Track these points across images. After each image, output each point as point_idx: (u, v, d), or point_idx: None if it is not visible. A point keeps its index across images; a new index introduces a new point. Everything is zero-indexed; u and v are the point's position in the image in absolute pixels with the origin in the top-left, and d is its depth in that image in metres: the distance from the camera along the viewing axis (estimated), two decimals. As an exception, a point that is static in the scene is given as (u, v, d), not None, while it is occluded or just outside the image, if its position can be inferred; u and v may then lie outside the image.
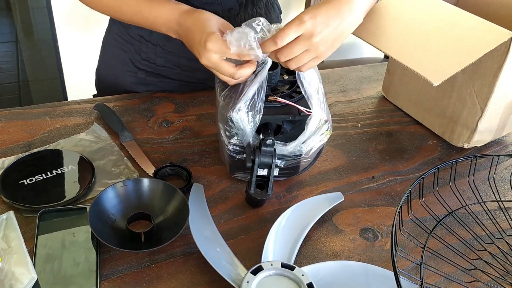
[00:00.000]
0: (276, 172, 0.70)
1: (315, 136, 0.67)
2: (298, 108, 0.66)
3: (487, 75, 0.75)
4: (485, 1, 0.88)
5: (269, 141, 0.64)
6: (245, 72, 0.64)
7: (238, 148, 0.67)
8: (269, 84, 0.68)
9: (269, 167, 0.65)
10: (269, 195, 0.66)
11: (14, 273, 0.53)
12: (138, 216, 0.64)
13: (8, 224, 0.59)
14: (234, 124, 0.64)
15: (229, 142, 0.67)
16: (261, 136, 0.65)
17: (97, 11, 0.77)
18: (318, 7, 0.62)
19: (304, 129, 0.66)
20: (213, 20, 0.66)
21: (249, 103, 0.64)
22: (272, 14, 0.92)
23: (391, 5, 0.80)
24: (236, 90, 0.66)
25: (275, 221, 0.65)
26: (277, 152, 0.66)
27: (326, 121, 0.67)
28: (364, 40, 0.76)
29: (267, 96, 0.66)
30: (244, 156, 0.66)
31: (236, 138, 0.66)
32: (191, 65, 0.86)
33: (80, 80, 1.92)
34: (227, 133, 0.66)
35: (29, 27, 2.68)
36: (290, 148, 0.67)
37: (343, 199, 0.71)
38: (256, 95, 0.64)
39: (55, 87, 2.12)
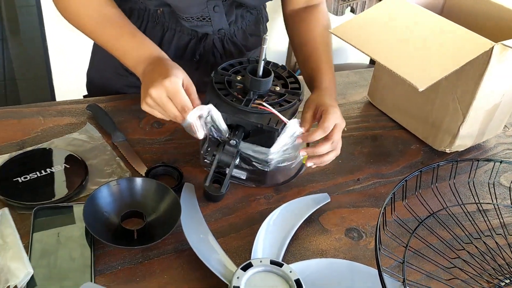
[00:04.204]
0: (243, 176, 0.72)
1: (285, 151, 0.69)
2: (271, 118, 0.67)
3: (469, 82, 0.78)
4: (468, 12, 0.92)
5: (232, 142, 0.67)
6: (194, 113, 0.64)
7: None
8: (259, 91, 0.70)
9: (228, 166, 0.68)
10: (223, 193, 0.68)
11: (10, 268, 0.54)
12: (131, 214, 0.65)
13: (3, 221, 0.60)
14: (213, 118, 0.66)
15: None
16: (228, 135, 0.67)
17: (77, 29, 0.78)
18: (336, 110, 0.70)
19: (272, 142, 0.68)
20: (180, 72, 0.67)
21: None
22: (261, 25, 0.94)
23: (379, 13, 0.83)
24: None
25: (264, 220, 0.67)
26: (244, 150, 0.68)
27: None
28: (353, 46, 0.79)
29: (252, 100, 0.69)
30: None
31: (212, 130, 0.68)
32: None
33: (69, 79, 1.92)
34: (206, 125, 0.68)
35: (15, 25, 2.66)
36: (255, 151, 0.69)
37: (329, 200, 0.74)
38: None
39: (43, 86, 2.11)
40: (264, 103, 0.68)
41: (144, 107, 0.66)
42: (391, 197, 0.66)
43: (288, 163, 0.72)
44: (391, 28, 0.79)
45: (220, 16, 0.83)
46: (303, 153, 0.69)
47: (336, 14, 1.77)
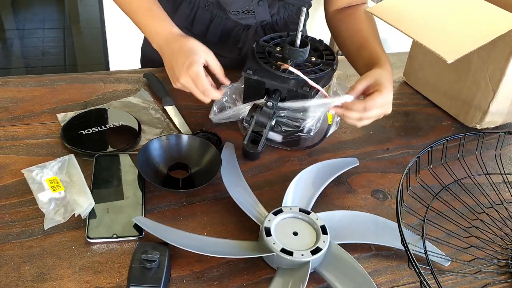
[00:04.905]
0: (278, 138, 0.78)
1: (315, 112, 0.75)
2: (305, 83, 0.72)
3: (499, 59, 0.81)
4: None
5: (269, 104, 0.73)
6: (216, 95, 0.75)
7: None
8: (296, 60, 0.76)
9: (265, 126, 0.74)
10: (259, 151, 0.75)
11: (76, 200, 0.64)
12: (178, 165, 0.73)
13: (70, 164, 0.70)
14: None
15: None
16: (265, 98, 0.74)
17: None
18: (390, 94, 0.72)
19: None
20: (201, 51, 0.75)
21: None
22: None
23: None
24: None
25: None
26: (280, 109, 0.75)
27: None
28: (387, 23, 0.83)
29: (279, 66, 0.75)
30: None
31: None
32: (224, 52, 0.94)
33: (124, 63, 2.05)
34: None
35: (76, 15, 2.85)
36: (288, 106, 0.74)
37: (358, 164, 0.79)
38: None
39: (100, 70, 2.26)
40: (290, 67, 0.73)
41: (177, 86, 0.76)
42: (416, 160, 0.71)
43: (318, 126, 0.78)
44: (424, 7, 0.83)
45: (263, 10, 0.89)
46: (332, 111, 0.73)
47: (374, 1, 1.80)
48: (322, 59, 0.79)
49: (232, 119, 0.81)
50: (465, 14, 0.80)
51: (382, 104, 0.71)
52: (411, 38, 0.79)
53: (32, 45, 2.65)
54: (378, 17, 0.84)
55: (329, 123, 0.79)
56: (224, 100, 0.82)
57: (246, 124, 0.79)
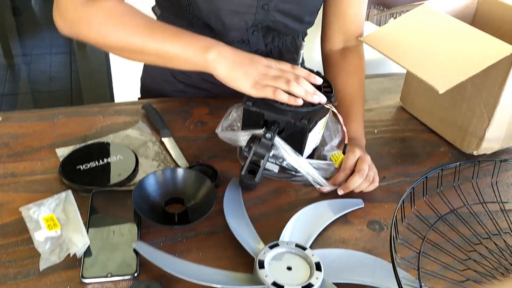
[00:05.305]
0: (276, 169, 0.79)
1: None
2: (303, 116, 0.74)
3: (493, 86, 0.81)
4: (499, 19, 0.94)
5: (268, 135, 0.74)
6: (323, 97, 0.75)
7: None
8: None
9: (262, 157, 0.75)
10: (256, 182, 0.75)
11: (71, 238, 0.65)
12: (173, 199, 0.74)
13: (67, 200, 0.71)
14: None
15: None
16: (263, 130, 0.74)
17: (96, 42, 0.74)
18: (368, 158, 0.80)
19: (303, 140, 0.75)
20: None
21: None
22: (297, 41, 1.00)
23: (407, 21, 0.88)
24: None
25: (293, 210, 0.74)
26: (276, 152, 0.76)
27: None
28: (380, 52, 0.84)
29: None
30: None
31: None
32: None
33: (127, 88, 2.08)
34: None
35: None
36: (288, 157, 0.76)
37: (363, 205, 0.78)
38: None
39: (104, 94, 2.30)
40: (332, 107, 0.76)
41: (260, 90, 0.72)
42: (411, 191, 0.71)
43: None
44: (417, 36, 0.84)
45: (257, 39, 0.91)
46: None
47: (379, 25, 1.81)
48: (320, 91, 0.80)
49: (232, 142, 0.82)
50: (457, 42, 0.81)
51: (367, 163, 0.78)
52: (404, 68, 0.79)
53: (40, 70, 2.70)
54: (371, 47, 0.86)
55: (336, 166, 0.79)
56: (232, 118, 0.83)
57: (245, 154, 0.80)
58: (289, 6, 0.87)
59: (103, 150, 0.83)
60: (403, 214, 0.70)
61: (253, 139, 0.76)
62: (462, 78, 0.73)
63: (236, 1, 0.83)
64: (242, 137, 0.78)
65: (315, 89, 0.75)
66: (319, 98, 0.74)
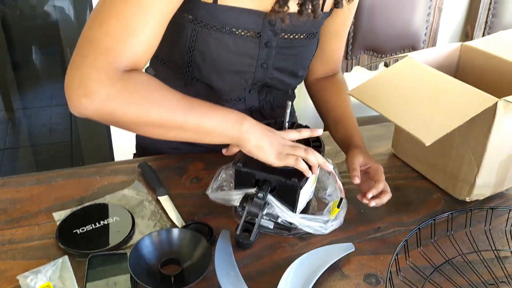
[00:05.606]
0: (270, 225, 0.80)
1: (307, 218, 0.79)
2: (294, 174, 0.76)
3: (479, 135, 0.83)
4: (481, 68, 0.98)
5: (260, 195, 0.76)
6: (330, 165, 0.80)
7: None
8: None
9: (256, 216, 0.76)
10: (251, 241, 0.77)
11: (68, 306, 0.65)
12: (170, 260, 0.75)
13: (63, 267, 0.72)
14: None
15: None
16: (255, 190, 0.77)
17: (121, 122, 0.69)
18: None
19: (294, 198, 0.77)
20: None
21: None
22: (287, 96, 1.04)
23: (392, 74, 0.91)
24: None
25: (288, 266, 0.74)
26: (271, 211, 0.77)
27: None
28: (367, 105, 0.87)
29: None
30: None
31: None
32: None
33: (125, 138, 2.11)
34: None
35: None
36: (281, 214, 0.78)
37: (353, 250, 0.79)
38: None
39: (103, 144, 2.32)
40: (333, 171, 0.82)
41: (283, 161, 0.76)
42: (404, 244, 0.72)
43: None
44: (402, 88, 0.87)
45: (253, 97, 0.94)
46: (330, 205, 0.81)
47: (370, 69, 1.86)
48: (309, 146, 0.82)
49: (224, 202, 0.83)
50: (441, 94, 0.83)
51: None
52: (391, 120, 0.82)
53: (40, 123, 2.74)
54: (359, 100, 0.88)
55: (331, 217, 0.81)
56: (221, 179, 0.85)
57: (240, 211, 0.81)
58: (285, 63, 0.91)
59: (99, 212, 0.84)
60: (398, 267, 0.71)
61: (246, 199, 0.77)
62: (447, 130, 0.75)
63: (237, 61, 0.86)
64: (235, 196, 0.80)
65: (324, 160, 0.79)
66: (330, 167, 0.80)
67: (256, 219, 0.77)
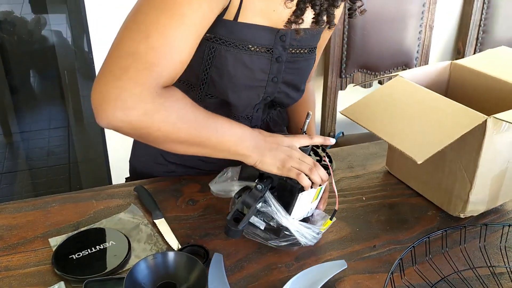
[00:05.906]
0: (261, 226, 0.80)
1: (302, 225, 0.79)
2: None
3: (471, 152, 0.84)
4: (471, 86, 0.99)
5: (259, 187, 0.77)
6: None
7: None
8: None
9: (249, 207, 0.77)
10: (239, 229, 0.76)
11: (63, 333, 0.65)
12: (165, 284, 0.74)
13: (60, 293, 0.72)
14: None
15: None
16: (256, 181, 0.78)
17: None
18: None
19: (292, 199, 0.77)
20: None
21: None
22: (283, 113, 1.07)
23: (384, 93, 0.93)
24: None
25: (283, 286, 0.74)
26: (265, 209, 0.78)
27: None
28: (359, 124, 0.88)
29: None
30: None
31: None
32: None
33: (122, 160, 2.12)
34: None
35: (79, 114, 2.98)
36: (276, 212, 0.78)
37: (346, 266, 0.80)
38: None
39: (101, 167, 2.33)
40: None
41: (290, 170, 0.78)
42: (399, 263, 0.72)
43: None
44: (394, 107, 0.88)
45: (258, 115, 0.96)
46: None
47: (365, 87, 1.88)
48: (319, 162, 0.83)
49: (224, 195, 0.84)
50: (432, 112, 0.85)
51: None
52: (383, 140, 0.83)
53: (38, 146, 2.75)
54: (352, 120, 0.89)
55: (322, 230, 0.81)
56: (226, 176, 0.88)
57: (236, 198, 0.81)
58: (291, 77, 0.93)
59: (95, 236, 0.84)
60: (393, 285, 0.71)
61: (245, 189, 0.79)
62: (438, 148, 0.76)
63: (251, 76, 0.88)
64: (236, 187, 0.81)
65: (328, 177, 0.81)
66: (335, 188, 0.83)
67: (249, 210, 0.77)
